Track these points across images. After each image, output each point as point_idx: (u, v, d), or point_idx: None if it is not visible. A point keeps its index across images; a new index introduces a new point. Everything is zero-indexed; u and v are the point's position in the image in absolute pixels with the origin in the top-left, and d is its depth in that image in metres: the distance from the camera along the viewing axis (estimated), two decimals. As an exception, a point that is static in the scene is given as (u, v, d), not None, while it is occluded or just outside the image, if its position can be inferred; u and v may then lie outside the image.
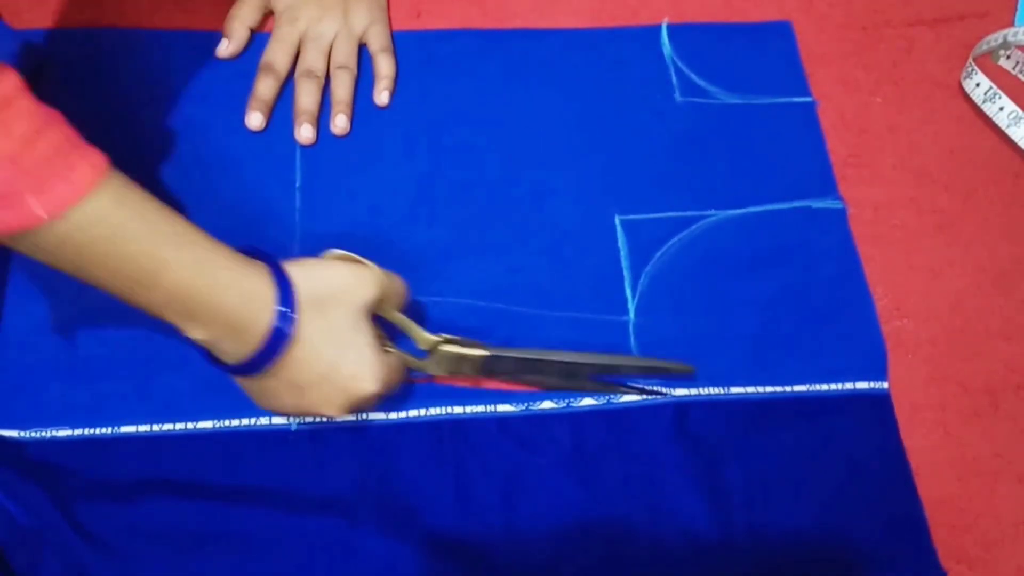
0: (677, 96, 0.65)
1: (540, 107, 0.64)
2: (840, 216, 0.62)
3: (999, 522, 0.57)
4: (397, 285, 0.50)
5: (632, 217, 0.61)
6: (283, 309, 0.44)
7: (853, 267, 0.61)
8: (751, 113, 0.65)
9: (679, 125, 0.64)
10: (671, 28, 0.67)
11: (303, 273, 0.46)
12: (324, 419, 0.54)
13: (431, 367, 0.53)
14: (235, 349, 0.44)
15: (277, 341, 0.44)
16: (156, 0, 0.65)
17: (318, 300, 0.46)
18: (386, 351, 0.50)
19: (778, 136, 0.64)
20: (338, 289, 0.47)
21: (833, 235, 0.62)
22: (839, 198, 0.63)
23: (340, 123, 0.62)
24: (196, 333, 0.44)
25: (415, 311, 0.57)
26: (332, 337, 0.46)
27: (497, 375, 0.54)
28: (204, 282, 0.43)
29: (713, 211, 0.62)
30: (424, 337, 0.52)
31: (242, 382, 0.48)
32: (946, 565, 0.55)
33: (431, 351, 0.52)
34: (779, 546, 0.54)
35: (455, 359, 0.52)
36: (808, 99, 0.66)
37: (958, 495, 0.57)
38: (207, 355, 0.46)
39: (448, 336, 0.52)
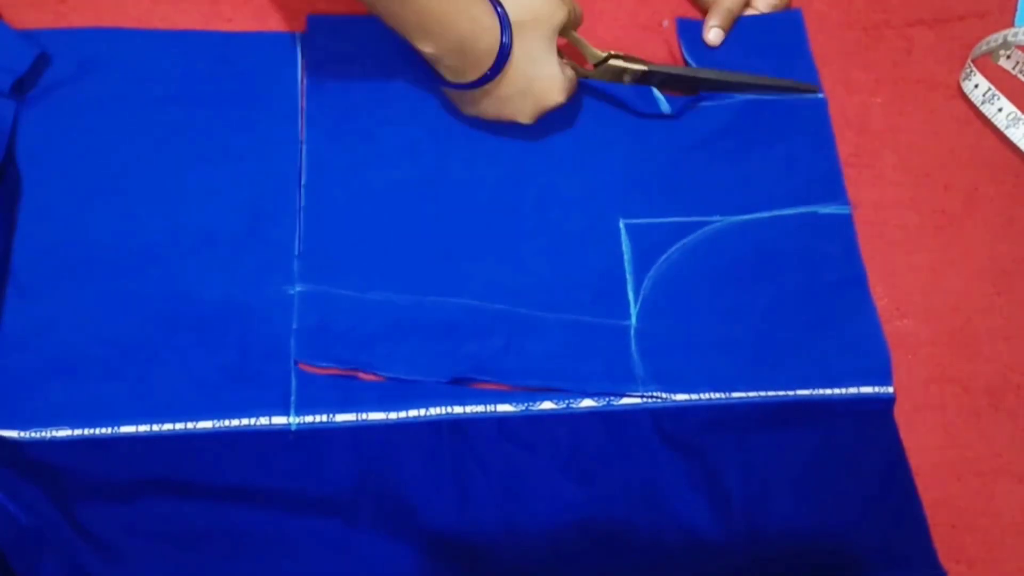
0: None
1: None
2: (846, 221, 0.62)
3: (999, 522, 0.57)
4: (577, 8, 0.59)
5: (637, 221, 0.61)
6: (505, 37, 0.54)
7: (857, 272, 0.61)
8: (760, 113, 0.64)
9: (686, 128, 0.64)
10: (680, 23, 0.67)
11: (508, 0, 0.55)
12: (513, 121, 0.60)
13: (596, 76, 0.63)
14: (456, 64, 0.55)
15: (500, 63, 0.55)
16: (156, 0, 0.65)
17: (520, 24, 0.55)
18: (565, 65, 0.59)
19: (787, 136, 0.64)
20: (536, 14, 0.56)
21: (838, 241, 0.61)
22: (846, 202, 0.62)
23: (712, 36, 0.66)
24: (427, 48, 0.54)
25: (418, 308, 0.57)
26: (531, 57, 0.56)
27: (655, 86, 0.64)
28: (446, 7, 0.52)
29: (719, 216, 0.61)
30: (594, 53, 0.62)
31: (451, 93, 0.60)
32: (946, 565, 0.55)
33: (597, 64, 0.62)
34: (779, 546, 0.54)
35: (619, 71, 0.62)
36: (819, 95, 0.65)
37: (958, 495, 0.57)
38: (432, 70, 0.57)
39: (614, 52, 0.62)
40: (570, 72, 0.59)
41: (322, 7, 0.66)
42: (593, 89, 0.65)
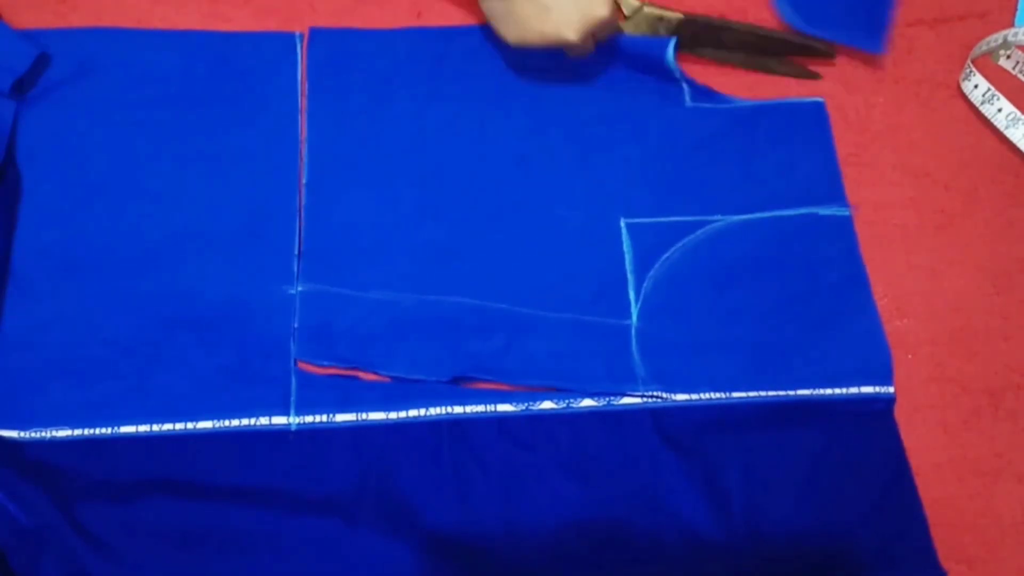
0: (687, 100, 0.65)
1: (548, 107, 0.64)
2: (846, 223, 0.62)
3: (999, 522, 0.57)
4: None
5: (638, 221, 0.61)
6: None
7: (858, 273, 0.61)
8: (761, 115, 0.64)
9: (688, 129, 0.64)
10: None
11: None
12: (564, 46, 0.59)
13: (630, 27, 0.63)
14: None
15: None
16: (156, 0, 0.65)
17: None
18: None
19: (788, 139, 0.64)
20: None
21: (839, 242, 0.61)
22: (846, 204, 0.62)
23: None
24: None
25: (419, 307, 0.57)
26: None
27: (687, 38, 0.64)
28: None
29: (719, 216, 0.61)
30: (629, 2, 0.62)
31: (494, 10, 0.59)
32: (946, 565, 0.55)
33: (632, 15, 0.63)
34: (780, 546, 0.54)
35: (654, 20, 0.63)
36: (819, 98, 0.65)
37: (958, 495, 0.57)
38: None
39: (648, 1, 0.63)
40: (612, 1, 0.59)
41: (321, 7, 0.66)
42: (595, 87, 0.64)
